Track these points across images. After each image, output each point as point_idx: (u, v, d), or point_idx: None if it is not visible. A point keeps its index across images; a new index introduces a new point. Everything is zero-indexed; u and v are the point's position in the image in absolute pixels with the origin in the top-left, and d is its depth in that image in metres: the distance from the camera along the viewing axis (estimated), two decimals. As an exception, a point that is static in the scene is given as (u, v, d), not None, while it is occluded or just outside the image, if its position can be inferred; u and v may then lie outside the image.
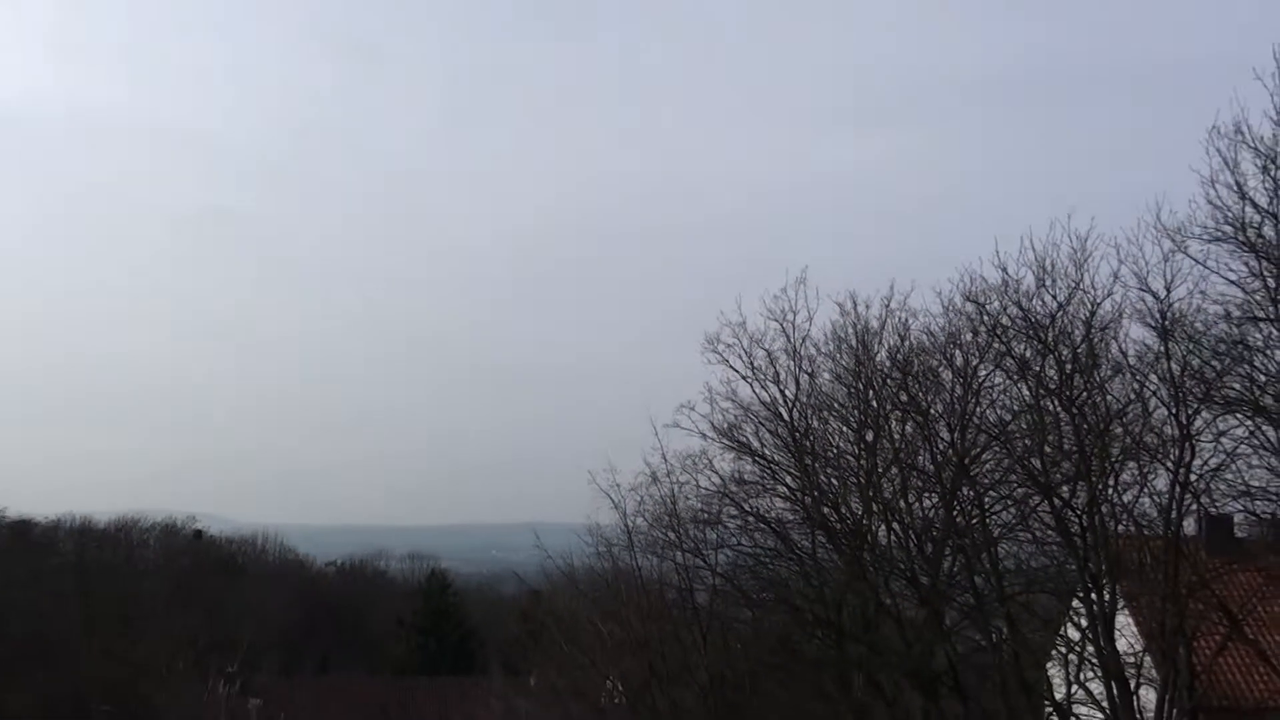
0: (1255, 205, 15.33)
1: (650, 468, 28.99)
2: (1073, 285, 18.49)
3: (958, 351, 21.47)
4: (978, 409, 21.37)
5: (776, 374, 25.49)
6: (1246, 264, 15.74)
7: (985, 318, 20.03)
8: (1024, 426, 20.28)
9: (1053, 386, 18.89)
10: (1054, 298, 18.65)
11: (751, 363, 25.63)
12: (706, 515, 28.56)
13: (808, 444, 25.26)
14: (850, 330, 24.22)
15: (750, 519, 27.36)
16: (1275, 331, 15.70)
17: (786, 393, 25.46)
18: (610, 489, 30.96)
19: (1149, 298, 17.12)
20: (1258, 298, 15.78)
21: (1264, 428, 16.37)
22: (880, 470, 23.96)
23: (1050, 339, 18.79)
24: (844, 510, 24.96)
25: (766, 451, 26.40)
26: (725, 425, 26.41)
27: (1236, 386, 16.43)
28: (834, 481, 25.39)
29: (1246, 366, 16.31)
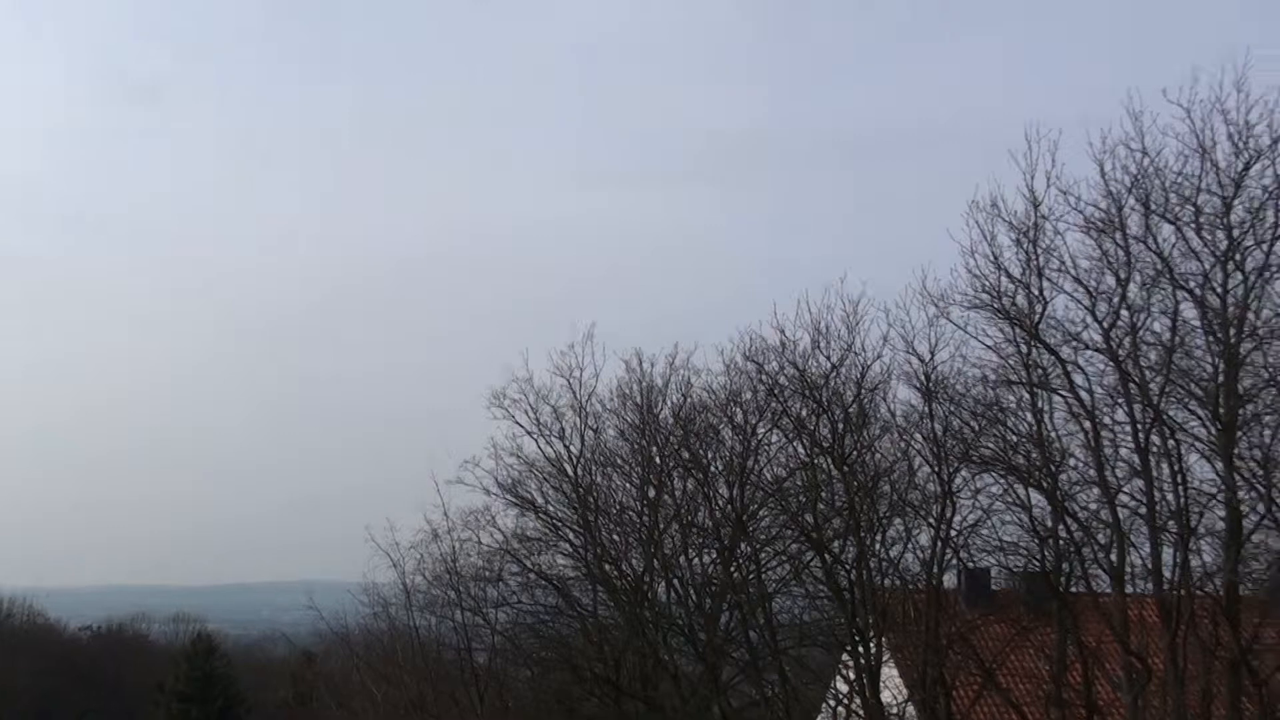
0: (1009, 275, 16.26)
1: (431, 525, 28.56)
2: (845, 347, 19.21)
3: (738, 409, 22.00)
4: (756, 466, 21.90)
5: (562, 430, 25.60)
6: (1002, 330, 16.63)
7: (764, 377, 20.59)
8: (799, 484, 20.88)
9: (826, 445, 19.52)
10: (828, 359, 19.34)
11: (537, 418, 25.68)
12: (488, 573, 28.25)
13: (591, 500, 25.34)
14: (635, 387, 24.58)
15: (532, 576, 27.20)
16: (1026, 395, 16.65)
17: (571, 449, 25.57)
18: (389, 547, 30.34)
19: (915, 360, 17.89)
20: (1011, 362, 16.70)
21: (1015, 486, 17.29)
22: (661, 527, 24.22)
23: (824, 399, 19.43)
24: (625, 567, 25.09)
25: (550, 508, 26.38)
26: (509, 481, 26.31)
27: (992, 446, 17.30)
28: (616, 538, 25.53)
29: (1001, 428, 17.21)
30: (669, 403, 24.11)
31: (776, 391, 20.40)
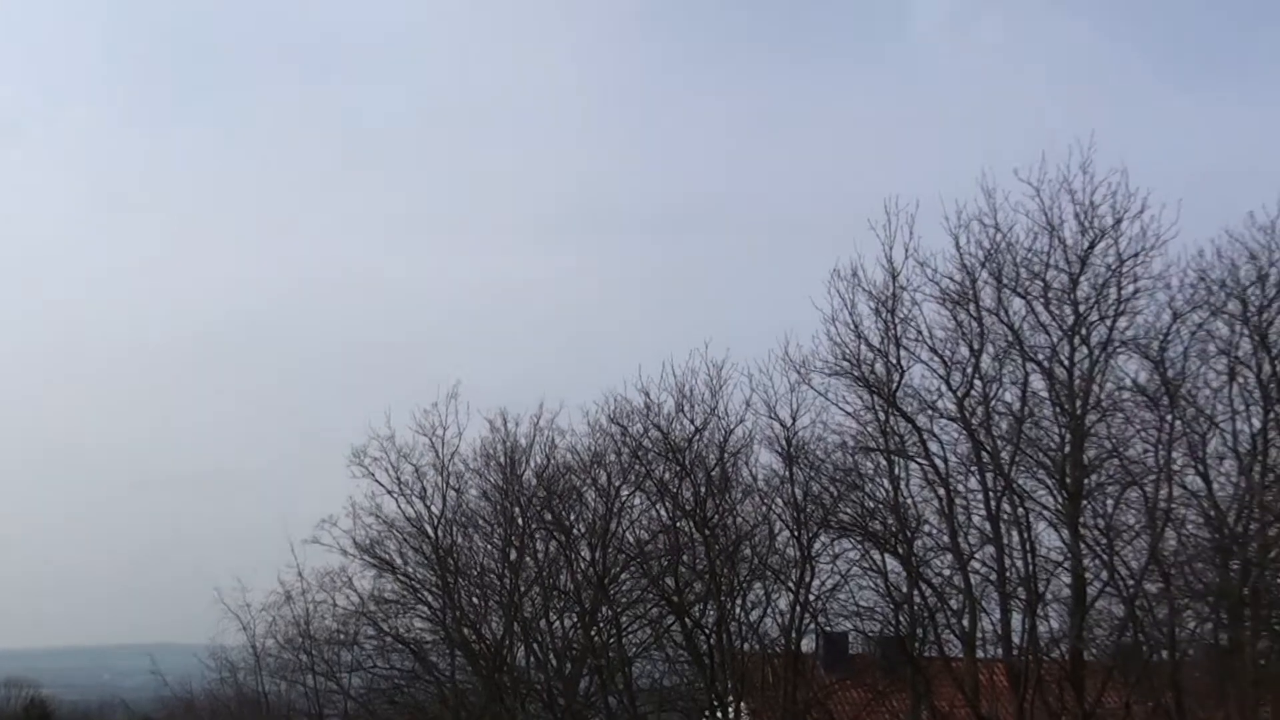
0: (869, 344, 16.61)
1: (285, 586, 27.74)
2: (709, 411, 19.36)
3: (602, 471, 21.91)
4: (619, 529, 21.79)
5: (423, 489, 25.13)
6: (861, 398, 16.97)
7: (628, 439, 20.57)
8: (661, 547, 20.83)
9: (689, 508, 19.55)
10: (692, 422, 19.45)
11: (398, 477, 25.18)
12: (343, 636, 27.48)
13: (451, 561, 24.88)
14: (499, 447, 24.29)
15: (388, 639, 26.51)
16: (884, 461, 16.96)
17: (433, 509, 25.12)
18: (239, 609, 29.36)
19: (777, 425, 18.14)
20: (870, 429, 17.03)
21: (872, 551, 17.55)
22: (522, 589, 23.88)
23: (688, 462, 19.50)
24: (485, 630, 24.63)
25: (409, 569, 25.83)
26: (368, 541, 25.69)
27: (850, 512, 17.56)
28: (476, 600, 25.07)
29: (859, 494, 17.49)
30: (533, 463, 23.90)
31: (640, 454, 20.40)
